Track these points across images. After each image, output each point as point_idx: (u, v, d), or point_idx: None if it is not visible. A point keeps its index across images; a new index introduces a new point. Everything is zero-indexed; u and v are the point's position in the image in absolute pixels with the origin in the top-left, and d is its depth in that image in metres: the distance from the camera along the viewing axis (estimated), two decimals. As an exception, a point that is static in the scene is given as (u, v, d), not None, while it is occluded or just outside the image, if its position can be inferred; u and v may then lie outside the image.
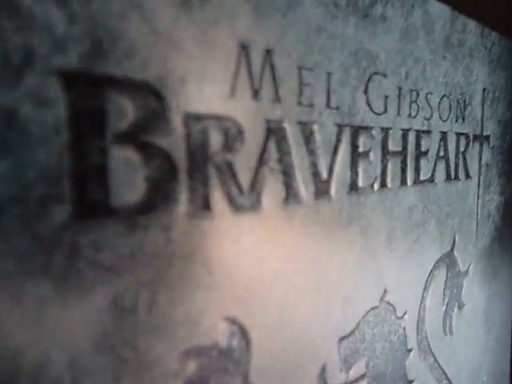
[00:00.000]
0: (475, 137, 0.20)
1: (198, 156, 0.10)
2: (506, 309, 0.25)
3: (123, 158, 0.08)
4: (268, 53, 0.11)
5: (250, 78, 0.10)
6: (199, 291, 0.10)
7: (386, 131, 0.15)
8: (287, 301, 0.12)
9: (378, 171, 0.15)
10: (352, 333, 0.15)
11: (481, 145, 0.21)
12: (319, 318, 0.13)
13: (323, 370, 0.14)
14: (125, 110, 0.08)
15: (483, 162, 0.21)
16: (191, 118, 0.09)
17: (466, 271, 0.21)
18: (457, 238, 0.20)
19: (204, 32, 0.09)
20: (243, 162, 0.11)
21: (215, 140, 0.10)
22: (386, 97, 0.15)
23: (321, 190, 0.13)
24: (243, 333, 0.11)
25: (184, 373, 0.10)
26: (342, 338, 0.14)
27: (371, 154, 0.14)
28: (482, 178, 0.22)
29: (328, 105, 0.13)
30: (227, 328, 0.11)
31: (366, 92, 0.14)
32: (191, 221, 0.10)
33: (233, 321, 0.11)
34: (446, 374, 0.20)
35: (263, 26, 0.11)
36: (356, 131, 0.14)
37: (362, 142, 0.14)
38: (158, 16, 0.09)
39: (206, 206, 0.10)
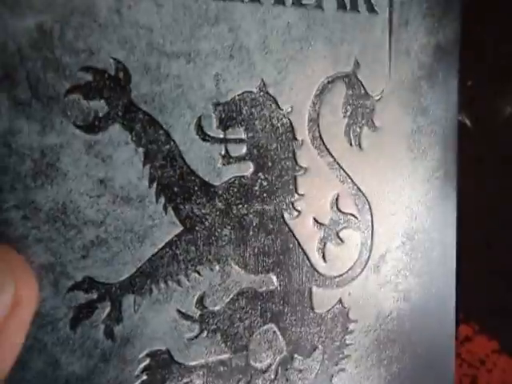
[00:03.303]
0: (380, -24, 0.23)
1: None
2: (443, 144, 0.27)
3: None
4: None
5: None
6: None
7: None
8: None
9: (247, -13, 0.20)
10: (227, 103, 0.21)
11: (390, -16, 0.24)
12: (192, 87, 0.20)
13: (199, 120, 0.20)
14: None
15: (395, 0, 0.24)
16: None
17: (377, 95, 0.24)
18: (360, 62, 0.24)
19: None
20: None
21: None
22: None
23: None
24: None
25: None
26: (218, 103, 0.21)
27: (237, -27, 0.20)
28: (394, 15, 0.24)
29: None
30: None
31: None
32: None
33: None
34: (345, 171, 0.24)
35: None
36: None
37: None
38: None
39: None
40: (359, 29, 0.23)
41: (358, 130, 0.24)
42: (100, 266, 0.19)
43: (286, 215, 0.23)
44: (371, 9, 0.24)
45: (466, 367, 0.39)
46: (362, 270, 0.26)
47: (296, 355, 0.24)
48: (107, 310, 0.20)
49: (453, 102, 0.27)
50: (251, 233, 0.22)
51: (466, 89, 0.29)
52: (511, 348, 0.37)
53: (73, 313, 0.19)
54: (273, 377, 0.24)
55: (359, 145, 0.24)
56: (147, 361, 0.21)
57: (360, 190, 0.25)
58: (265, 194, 0.22)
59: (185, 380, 0.22)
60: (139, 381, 0.21)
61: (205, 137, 0.21)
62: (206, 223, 0.21)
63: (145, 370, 0.21)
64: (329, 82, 0.23)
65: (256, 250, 0.23)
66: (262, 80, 0.21)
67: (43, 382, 0.19)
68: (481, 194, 0.32)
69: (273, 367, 0.24)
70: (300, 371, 0.25)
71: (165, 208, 0.20)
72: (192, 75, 0.20)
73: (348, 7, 0.23)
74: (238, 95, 0.21)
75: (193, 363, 0.22)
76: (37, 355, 0.19)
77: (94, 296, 0.19)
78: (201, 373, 0.22)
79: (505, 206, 0.33)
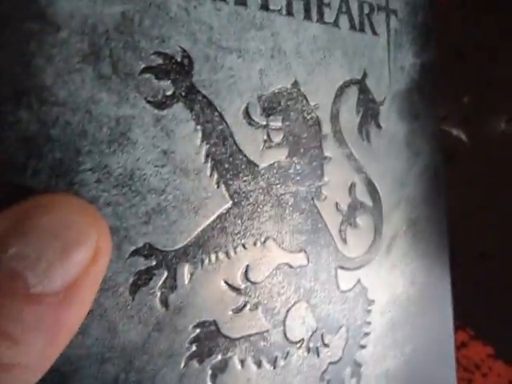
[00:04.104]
0: (379, 7, 0.29)
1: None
2: (431, 145, 0.32)
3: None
4: None
5: None
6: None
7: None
8: (219, 55, 0.22)
9: (284, 3, 0.25)
10: (269, 94, 0.24)
11: (387, 15, 0.30)
12: (242, 78, 0.23)
13: (247, 107, 0.23)
14: None
15: (391, 27, 0.30)
16: None
17: (381, 101, 0.29)
18: (368, 72, 0.28)
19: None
20: None
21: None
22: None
23: (238, 2, 0.23)
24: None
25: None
26: (262, 94, 0.24)
27: (277, -7, 0.24)
28: (391, 39, 0.30)
29: (240, -44, 0.23)
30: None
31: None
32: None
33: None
34: (359, 163, 0.28)
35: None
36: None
37: (270, -16, 0.24)
38: None
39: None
40: (367, 46, 0.28)
41: (368, 128, 0.28)
42: (159, 232, 0.20)
43: (315, 198, 0.26)
44: (374, 32, 0.29)
45: (462, 371, 0.41)
46: (376, 253, 0.28)
47: (325, 332, 0.26)
48: (163, 277, 0.20)
49: (435, 112, 0.32)
50: (287, 211, 0.25)
51: (462, 105, 0.34)
52: (506, 353, 0.40)
53: (133, 278, 0.20)
54: (306, 354, 0.25)
55: (369, 141, 0.28)
56: (196, 331, 0.21)
57: (371, 181, 0.28)
58: (298, 177, 0.25)
59: (229, 353, 0.22)
60: (189, 352, 0.21)
61: (251, 121, 0.23)
62: (251, 199, 0.23)
63: (194, 341, 0.21)
64: (345, 86, 0.27)
65: (291, 227, 0.25)
66: (295, 79, 0.25)
67: (101, 349, 0.19)
68: (478, 204, 0.36)
69: (305, 344, 0.25)
70: (329, 348, 0.26)
71: (217, 182, 0.22)
72: (241, 68, 0.23)
73: (357, 28, 0.28)
74: (278, 89, 0.24)
75: (237, 336, 0.23)
76: (97, 321, 0.19)
77: (153, 263, 0.20)
78: (243, 347, 0.23)
79: (500, 216, 0.38)
